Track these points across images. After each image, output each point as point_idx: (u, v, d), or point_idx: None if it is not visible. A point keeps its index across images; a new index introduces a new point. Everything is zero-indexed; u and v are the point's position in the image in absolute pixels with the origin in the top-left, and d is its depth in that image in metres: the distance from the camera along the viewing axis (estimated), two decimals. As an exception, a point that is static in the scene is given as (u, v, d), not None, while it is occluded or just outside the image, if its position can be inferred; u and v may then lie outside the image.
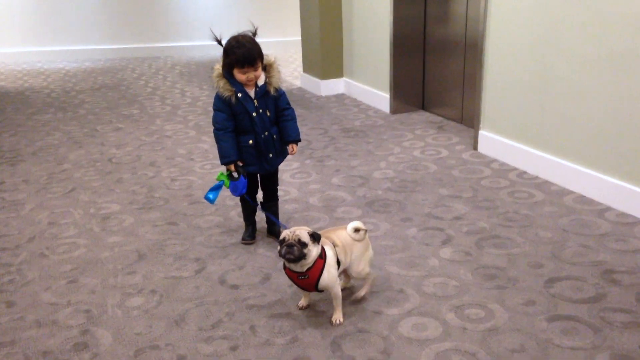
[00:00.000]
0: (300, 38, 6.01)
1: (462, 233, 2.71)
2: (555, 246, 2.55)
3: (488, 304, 2.15)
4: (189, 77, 6.95)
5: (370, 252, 2.20)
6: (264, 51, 2.46)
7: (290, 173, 3.55)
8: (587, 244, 2.56)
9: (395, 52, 4.74)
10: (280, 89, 2.58)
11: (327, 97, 5.52)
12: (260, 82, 2.51)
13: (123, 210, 3.15)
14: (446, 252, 2.54)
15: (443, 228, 2.77)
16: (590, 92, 2.92)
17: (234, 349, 1.98)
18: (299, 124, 2.69)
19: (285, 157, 2.72)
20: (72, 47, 8.72)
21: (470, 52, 4.17)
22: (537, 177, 3.31)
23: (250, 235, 2.75)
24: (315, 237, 1.96)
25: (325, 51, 5.53)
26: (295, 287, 2.19)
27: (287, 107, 2.63)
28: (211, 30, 2.48)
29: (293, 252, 1.92)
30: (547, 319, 2.04)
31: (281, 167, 2.79)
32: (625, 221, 2.74)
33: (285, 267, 2.04)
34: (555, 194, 3.09)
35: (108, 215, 3.10)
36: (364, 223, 2.67)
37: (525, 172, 3.40)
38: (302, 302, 2.19)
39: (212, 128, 2.54)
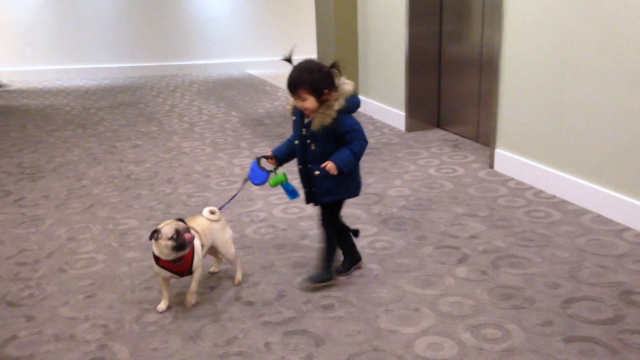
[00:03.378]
0: (316, 56, 6.07)
1: (478, 252, 2.70)
2: (573, 266, 2.52)
3: (504, 324, 2.13)
4: (206, 95, 7.03)
5: (229, 232, 2.49)
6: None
7: (306, 190, 3.56)
8: (605, 264, 2.53)
9: (411, 70, 4.76)
10: (339, 117, 2.19)
11: (343, 115, 5.54)
12: (313, 114, 2.22)
13: (141, 226, 3.19)
14: (462, 271, 2.53)
15: (459, 247, 2.76)
16: (607, 109, 2.91)
17: (249, 366, 1.98)
18: None
19: (334, 195, 2.33)
20: (92, 65, 8.90)
21: (485, 69, 4.18)
22: (554, 197, 3.29)
23: (345, 267, 2.54)
24: (187, 229, 2.28)
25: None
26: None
27: (349, 130, 2.21)
28: (291, 51, 2.29)
29: (187, 243, 2.21)
30: (565, 340, 2.02)
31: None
32: (644, 241, 2.71)
33: (158, 260, 2.24)
34: (572, 213, 3.07)
35: (126, 231, 3.14)
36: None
37: (542, 191, 3.38)
38: (162, 305, 2.34)
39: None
